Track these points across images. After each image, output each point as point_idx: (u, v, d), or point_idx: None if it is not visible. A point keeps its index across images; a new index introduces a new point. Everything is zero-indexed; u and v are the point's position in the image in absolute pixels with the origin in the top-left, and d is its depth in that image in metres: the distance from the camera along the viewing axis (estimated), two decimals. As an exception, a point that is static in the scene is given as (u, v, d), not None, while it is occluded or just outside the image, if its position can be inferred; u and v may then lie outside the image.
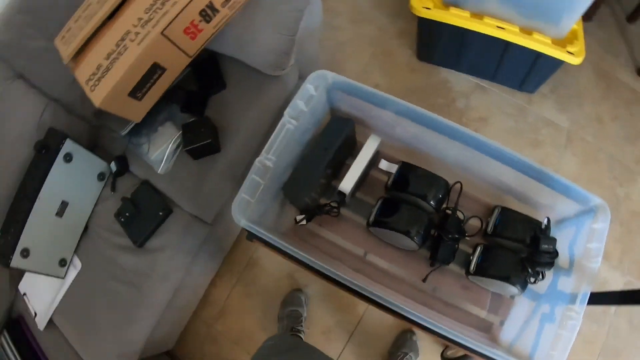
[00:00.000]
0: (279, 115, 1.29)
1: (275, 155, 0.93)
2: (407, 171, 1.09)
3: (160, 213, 1.19)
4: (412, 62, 1.81)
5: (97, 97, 1.01)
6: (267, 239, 0.86)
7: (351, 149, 1.17)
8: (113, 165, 1.28)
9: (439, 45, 1.68)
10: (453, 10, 1.48)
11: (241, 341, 1.55)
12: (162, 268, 1.20)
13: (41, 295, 1.36)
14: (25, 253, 1.16)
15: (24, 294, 1.38)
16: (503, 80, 1.76)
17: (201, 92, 1.22)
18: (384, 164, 1.13)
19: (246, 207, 0.91)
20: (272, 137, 0.94)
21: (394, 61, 1.83)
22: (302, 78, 1.36)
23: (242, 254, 1.62)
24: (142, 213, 1.20)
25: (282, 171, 1.01)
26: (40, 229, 1.18)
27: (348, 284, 0.84)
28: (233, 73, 1.27)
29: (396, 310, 0.83)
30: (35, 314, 1.36)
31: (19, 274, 1.44)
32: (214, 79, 1.23)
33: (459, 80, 1.78)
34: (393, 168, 1.11)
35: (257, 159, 0.92)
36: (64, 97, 1.28)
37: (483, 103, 1.75)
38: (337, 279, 0.84)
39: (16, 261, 1.15)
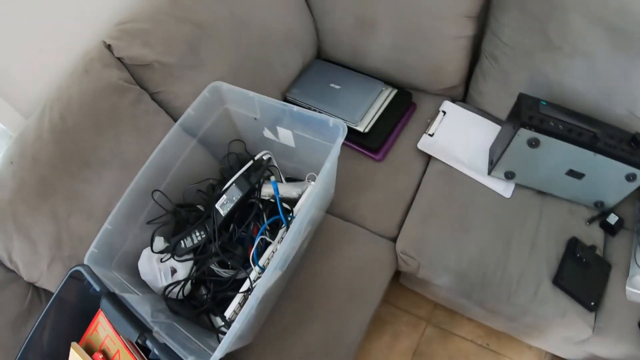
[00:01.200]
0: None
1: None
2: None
3: (592, 303, 1.13)
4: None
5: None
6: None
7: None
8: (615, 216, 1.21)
9: None
10: None
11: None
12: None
13: (448, 139, 1.37)
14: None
15: (444, 112, 1.42)
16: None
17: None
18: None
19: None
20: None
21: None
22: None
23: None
24: (586, 274, 1.16)
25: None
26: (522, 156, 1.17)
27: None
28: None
29: None
30: (431, 136, 1.38)
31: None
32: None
33: None
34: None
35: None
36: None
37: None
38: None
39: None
